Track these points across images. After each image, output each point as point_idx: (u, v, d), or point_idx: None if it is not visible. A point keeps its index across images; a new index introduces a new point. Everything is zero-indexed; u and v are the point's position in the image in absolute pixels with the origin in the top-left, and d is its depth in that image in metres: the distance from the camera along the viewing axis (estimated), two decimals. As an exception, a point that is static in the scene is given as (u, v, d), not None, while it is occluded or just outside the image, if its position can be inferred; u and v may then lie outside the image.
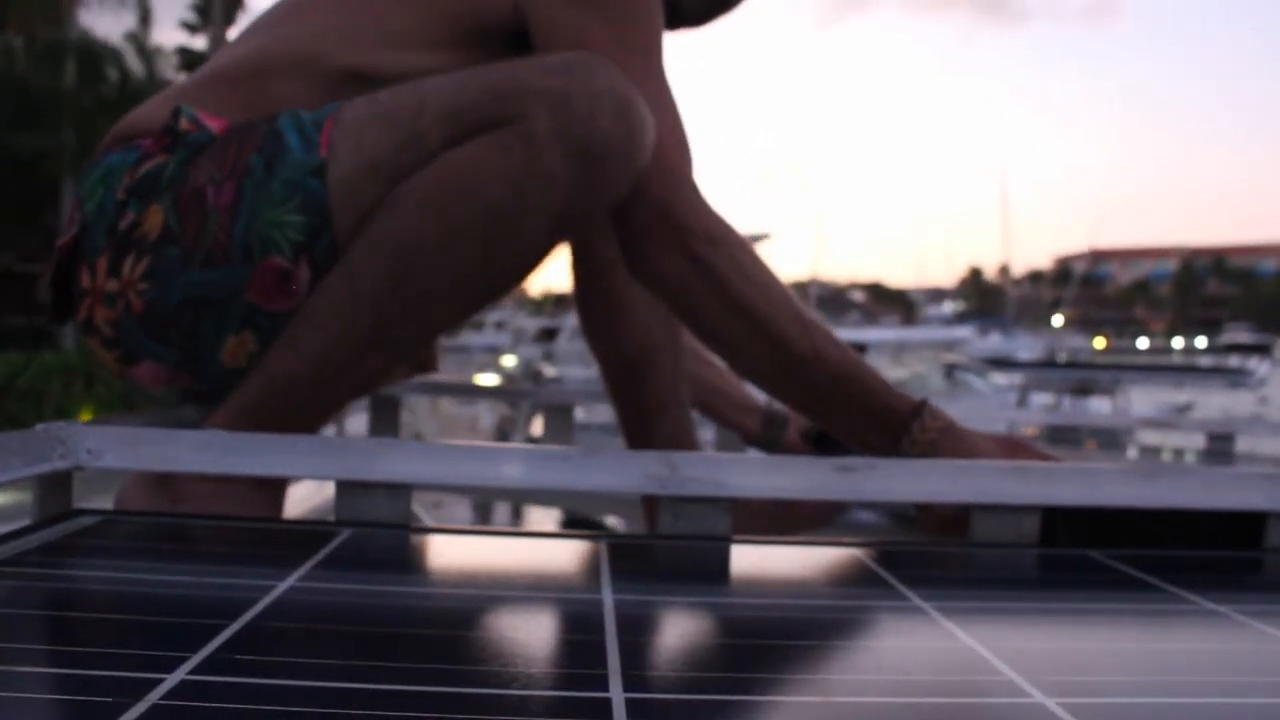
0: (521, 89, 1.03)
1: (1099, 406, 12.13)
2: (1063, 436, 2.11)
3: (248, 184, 1.05)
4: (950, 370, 17.06)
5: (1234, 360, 22.42)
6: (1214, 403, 16.49)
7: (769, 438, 1.55)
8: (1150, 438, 2.41)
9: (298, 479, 1.09)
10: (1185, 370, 17.00)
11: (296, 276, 1.05)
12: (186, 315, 1.07)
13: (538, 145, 1.02)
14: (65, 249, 1.12)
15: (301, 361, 1.05)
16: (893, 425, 1.11)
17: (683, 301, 1.11)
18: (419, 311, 1.07)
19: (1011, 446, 1.12)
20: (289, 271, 1.05)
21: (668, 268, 1.09)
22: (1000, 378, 15.88)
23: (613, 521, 1.86)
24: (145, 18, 18.15)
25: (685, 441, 1.37)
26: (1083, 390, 12.52)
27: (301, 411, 1.07)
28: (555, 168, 1.02)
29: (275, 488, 1.10)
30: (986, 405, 13.25)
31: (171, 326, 1.08)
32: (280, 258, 1.05)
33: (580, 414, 1.94)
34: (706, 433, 1.63)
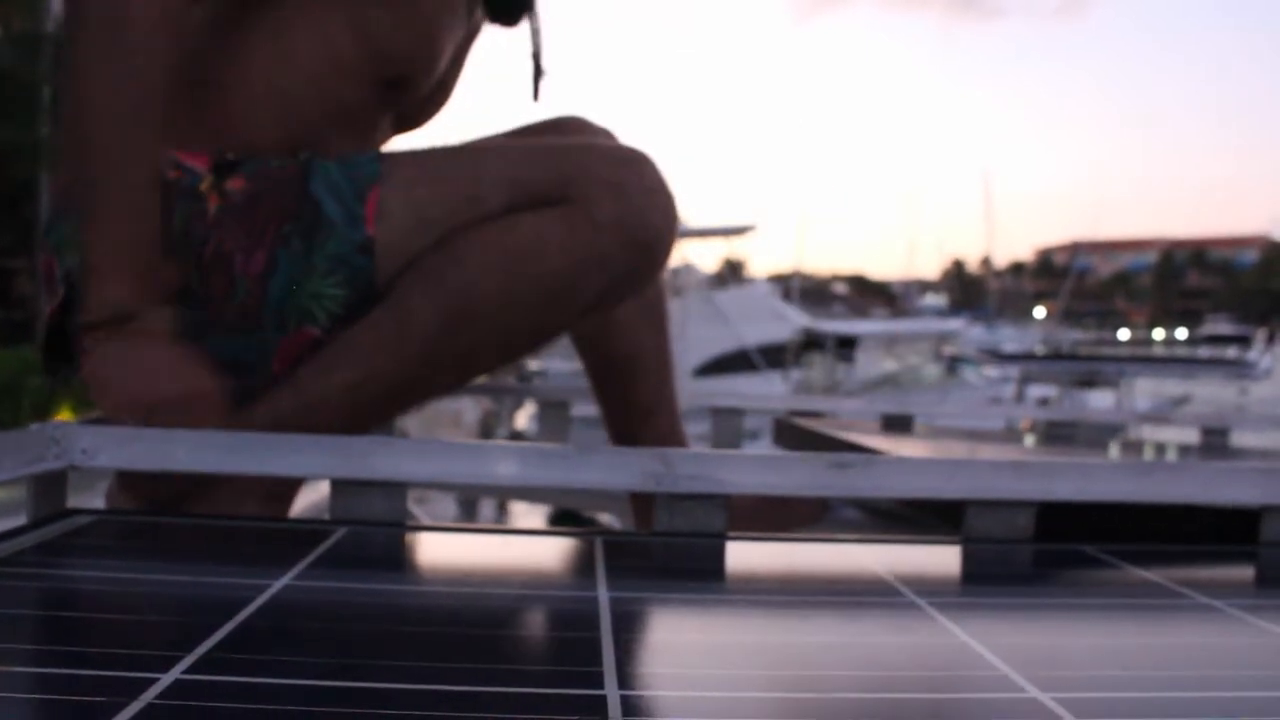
0: (585, 176, 1.09)
1: (1101, 399, 12.12)
2: (1056, 432, 2.11)
3: (283, 255, 1.04)
4: (953, 363, 17.10)
5: (1232, 351, 22.50)
6: (1209, 394, 16.59)
7: None
8: (1134, 433, 2.42)
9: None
10: (1189, 362, 17.07)
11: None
12: None
13: (599, 228, 1.09)
14: (55, 313, 1.07)
15: (338, 390, 1.07)
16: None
17: None
18: (464, 362, 1.12)
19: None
20: (321, 341, 1.06)
21: None
22: (992, 370, 15.89)
23: (605, 518, 1.86)
24: None
25: (673, 445, 1.36)
26: (1086, 383, 12.51)
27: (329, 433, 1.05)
28: (611, 250, 1.10)
29: (284, 496, 1.10)
30: (982, 397, 13.27)
31: None
32: (315, 328, 1.05)
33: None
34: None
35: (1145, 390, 14.85)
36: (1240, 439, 2.04)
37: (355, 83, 1.15)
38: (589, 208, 1.09)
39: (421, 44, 1.17)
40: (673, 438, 1.38)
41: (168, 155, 1.06)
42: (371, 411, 1.11)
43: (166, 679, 0.49)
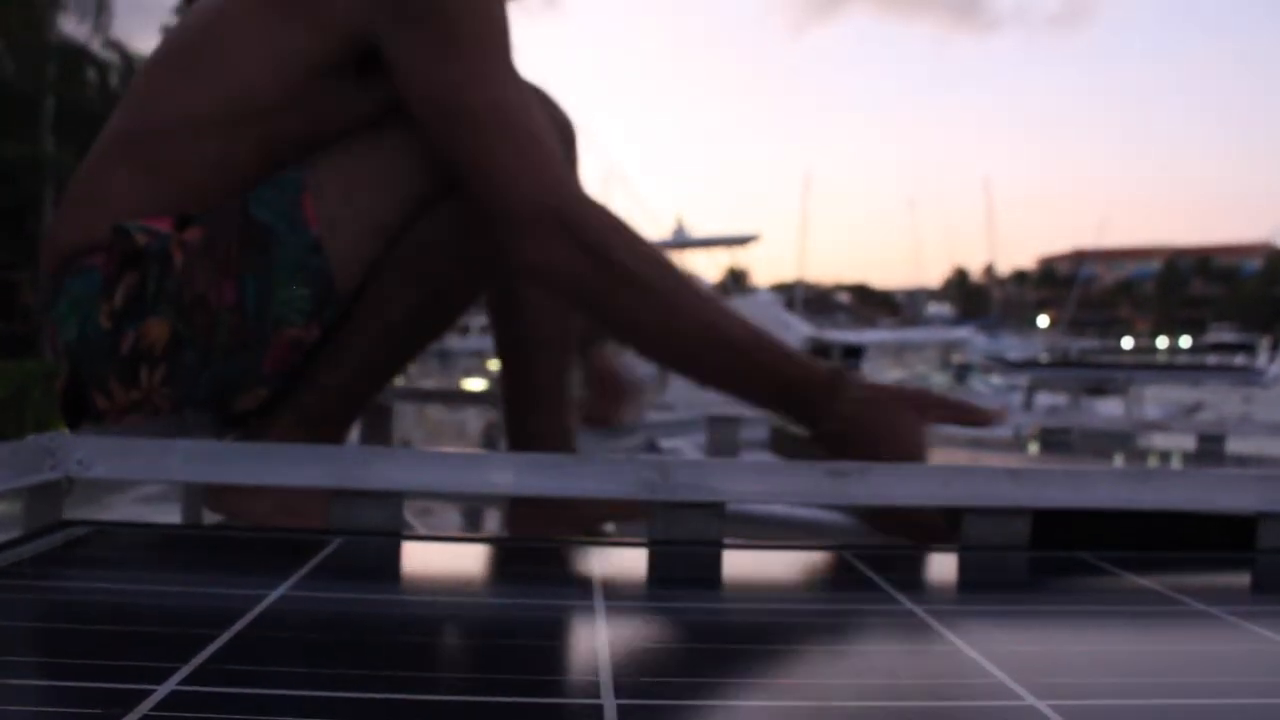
0: (480, 150, 1.15)
1: (1110, 407, 12.06)
2: (1058, 439, 2.11)
3: (249, 279, 1.14)
4: (962, 372, 17.08)
5: (1240, 359, 22.44)
6: (1219, 402, 16.57)
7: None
8: (1142, 441, 2.41)
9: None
10: (1198, 369, 17.00)
11: (307, 338, 1.17)
12: (213, 397, 1.17)
13: (504, 196, 1.15)
14: (67, 385, 1.18)
15: (347, 376, 1.24)
16: (807, 397, 1.10)
17: (576, 290, 1.13)
18: (432, 332, 1.29)
19: (922, 403, 1.11)
20: (301, 337, 1.16)
21: (554, 259, 1.11)
22: (997, 378, 15.85)
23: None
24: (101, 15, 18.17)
25: (558, 429, 1.45)
26: (1096, 391, 12.43)
27: (349, 412, 1.27)
28: (520, 209, 1.16)
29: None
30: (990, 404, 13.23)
31: (199, 407, 1.18)
32: (293, 329, 1.15)
33: None
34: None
35: (1154, 398, 14.79)
36: (1240, 445, 2.03)
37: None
38: (490, 178, 1.15)
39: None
40: (557, 419, 1.46)
41: (135, 224, 1.15)
42: (376, 385, 1.29)
43: (163, 690, 0.49)
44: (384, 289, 1.21)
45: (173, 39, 1.26)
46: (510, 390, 1.48)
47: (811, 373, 1.10)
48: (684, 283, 1.11)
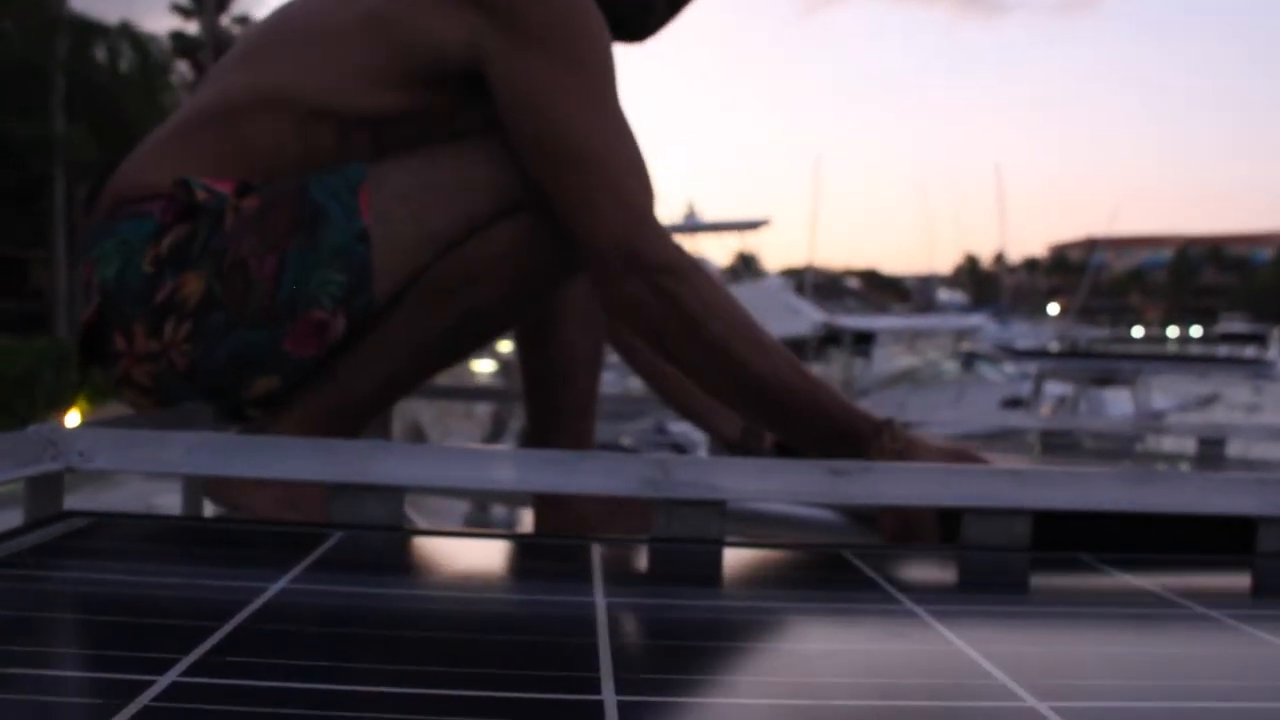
0: (552, 185, 1.19)
1: (1118, 398, 12.02)
2: (1062, 441, 2.11)
3: (291, 254, 1.15)
4: (969, 360, 17.04)
5: (1250, 350, 22.37)
6: (1232, 394, 16.48)
7: (746, 445, 1.60)
8: (1153, 443, 2.40)
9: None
10: (1207, 360, 16.92)
11: (332, 326, 1.17)
12: (229, 369, 1.18)
13: (558, 233, 1.21)
14: (92, 319, 1.19)
15: (371, 383, 1.24)
16: (854, 445, 1.16)
17: (647, 330, 1.18)
18: (464, 350, 1.30)
19: (960, 458, 1.16)
20: (326, 322, 1.16)
21: (632, 299, 1.16)
22: (1010, 367, 15.80)
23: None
24: None
25: (582, 444, 1.50)
26: (1103, 381, 12.39)
27: (360, 419, 1.26)
28: (569, 250, 1.23)
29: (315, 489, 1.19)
30: (990, 398, 13.17)
31: (213, 378, 1.18)
32: (320, 311, 1.16)
33: None
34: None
35: (1164, 389, 14.72)
36: (1241, 448, 2.03)
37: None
38: (548, 215, 1.21)
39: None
40: (582, 438, 1.51)
41: (197, 180, 1.18)
42: (398, 393, 1.30)
43: (163, 681, 0.49)
44: (421, 305, 1.22)
45: (281, 18, 1.28)
46: (540, 413, 1.52)
47: (860, 423, 1.17)
48: (746, 335, 1.16)
